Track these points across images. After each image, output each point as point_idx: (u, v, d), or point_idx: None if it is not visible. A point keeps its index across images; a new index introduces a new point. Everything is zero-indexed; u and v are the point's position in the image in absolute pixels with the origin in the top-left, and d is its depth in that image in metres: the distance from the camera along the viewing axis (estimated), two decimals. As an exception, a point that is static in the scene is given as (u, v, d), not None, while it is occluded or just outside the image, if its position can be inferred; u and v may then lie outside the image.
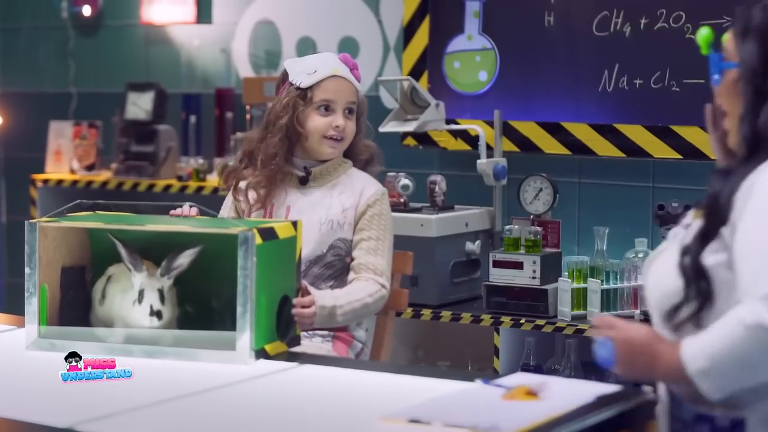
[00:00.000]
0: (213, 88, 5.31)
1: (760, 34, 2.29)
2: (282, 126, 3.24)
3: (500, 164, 4.38)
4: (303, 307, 2.88)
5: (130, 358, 2.65)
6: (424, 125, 4.39)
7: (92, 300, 2.90)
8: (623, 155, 4.37)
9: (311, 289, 2.97)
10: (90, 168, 5.43)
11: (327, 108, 3.27)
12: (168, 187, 5.12)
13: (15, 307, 3.45)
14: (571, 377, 4.05)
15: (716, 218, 2.25)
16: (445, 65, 4.72)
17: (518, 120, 4.54)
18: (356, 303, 3.13)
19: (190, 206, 3.09)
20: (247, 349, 2.64)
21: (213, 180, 5.02)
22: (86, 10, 5.64)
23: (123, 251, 2.81)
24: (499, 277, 4.17)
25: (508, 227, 4.22)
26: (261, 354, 2.68)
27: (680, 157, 4.26)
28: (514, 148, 4.54)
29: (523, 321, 4.11)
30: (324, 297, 3.04)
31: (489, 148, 4.43)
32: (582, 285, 4.08)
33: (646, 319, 3.96)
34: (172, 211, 3.12)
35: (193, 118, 5.29)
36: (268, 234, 2.70)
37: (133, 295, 2.81)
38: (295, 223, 2.82)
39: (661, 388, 2.33)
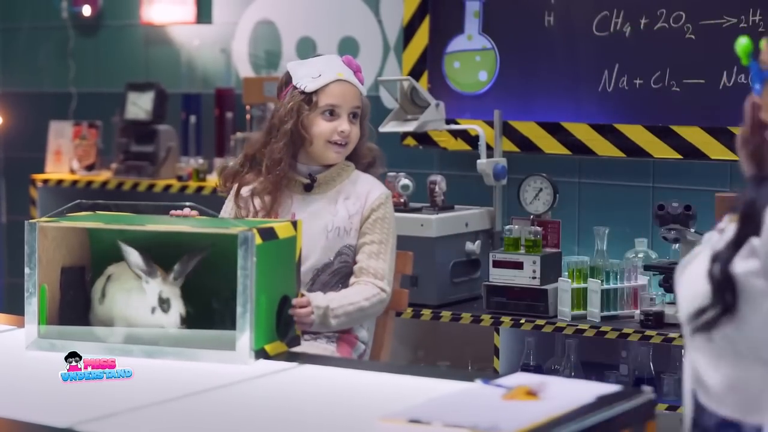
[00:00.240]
0: (213, 88, 5.31)
1: None
2: (287, 131, 3.21)
3: (500, 164, 4.38)
4: (300, 307, 2.88)
5: (130, 358, 2.65)
6: (424, 125, 4.39)
7: (91, 299, 2.90)
8: (623, 155, 4.37)
9: (303, 291, 2.96)
10: (90, 168, 5.43)
11: (332, 113, 3.24)
12: (168, 187, 5.12)
13: (15, 307, 3.45)
14: (571, 377, 4.05)
15: (750, 226, 2.20)
16: (445, 65, 4.72)
17: (518, 120, 4.54)
18: (350, 306, 3.10)
19: (191, 208, 3.08)
20: (247, 349, 2.64)
21: (213, 180, 5.02)
22: (86, 10, 5.65)
23: (139, 259, 2.79)
24: (499, 277, 4.17)
25: (508, 227, 4.22)
26: (261, 354, 2.68)
27: (680, 157, 4.26)
28: (514, 148, 4.54)
29: (523, 321, 4.11)
30: (317, 298, 3.03)
31: (489, 148, 4.43)
32: (582, 285, 4.08)
33: (646, 318, 3.97)
34: (173, 212, 3.11)
35: (193, 118, 5.29)
36: (268, 234, 2.70)
37: (148, 302, 2.80)
38: (294, 223, 2.82)
39: (687, 396, 2.28)
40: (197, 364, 2.65)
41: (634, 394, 2.34)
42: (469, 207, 4.49)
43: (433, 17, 4.71)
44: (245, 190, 3.29)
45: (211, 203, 3.21)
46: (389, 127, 4.42)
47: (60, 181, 5.35)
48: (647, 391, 2.36)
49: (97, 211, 2.98)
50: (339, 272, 3.24)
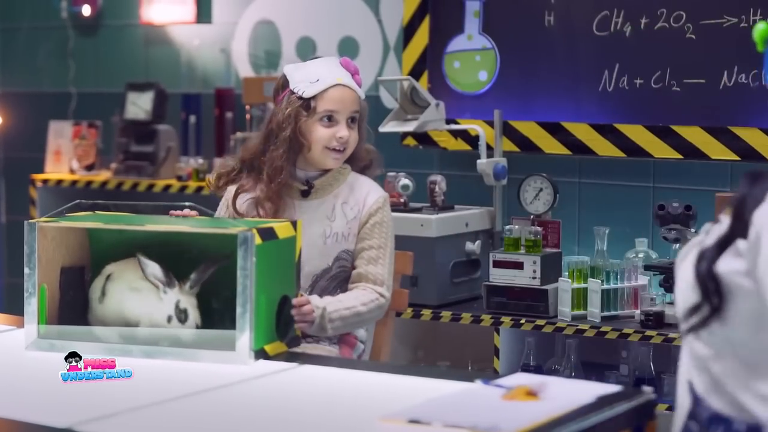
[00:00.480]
0: (213, 88, 5.30)
1: None
2: (285, 138, 3.16)
3: (500, 164, 4.37)
4: (300, 306, 2.87)
5: (130, 358, 2.65)
6: (424, 125, 4.39)
7: (91, 299, 2.90)
8: (623, 155, 4.37)
9: (302, 292, 2.94)
10: (90, 168, 5.43)
11: (330, 118, 3.18)
12: (168, 187, 5.12)
13: (15, 307, 3.45)
14: (571, 377, 4.05)
15: (738, 227, 2.19)
16: (445, 65, 4.71)
17: (518, 120, 4.54)
18: (345, 311, 3.07)
19: (191, 208, 3.08)
20: (247, 349, 2.64)
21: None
22: (86, 10, 5.64)
23: (158, 270, 2.79)
24: (499, 277, 4.17)
25: (508, 227, 4.21)
26: (261, 354, 2.68)
27: (680, 157, 4.26)
28: (514, 148, 4.54)
29: (523, 321, 4.10)
30: (314, 299, 3.01)
31: (489, 148, 4.43)
32: (582, 285, 4.08)
33: (646, 319, 3.96)
34: (172, 212, 3.10)
35: (192, 118, 5.29)
36: (268, 234, 2.70)
37: (164, 310, 2.79)
38: (294, 223, 2.81)
39: (683, 389, 2.28)
40: (197, 364, 2.65)
41: (634, 394, 2.34)
42: (469, 207, 4.48)
43: (433, 17, 4.71)
44: (245, 200, 3.25)
45: (210, 203, 3.21)
46: (389, 127, 4.42)
47: (60, 181, 5.35)
48: (647, 392, 2.36)
49: (97, 211, 2.98)
50: (337, 277, 3.22)
